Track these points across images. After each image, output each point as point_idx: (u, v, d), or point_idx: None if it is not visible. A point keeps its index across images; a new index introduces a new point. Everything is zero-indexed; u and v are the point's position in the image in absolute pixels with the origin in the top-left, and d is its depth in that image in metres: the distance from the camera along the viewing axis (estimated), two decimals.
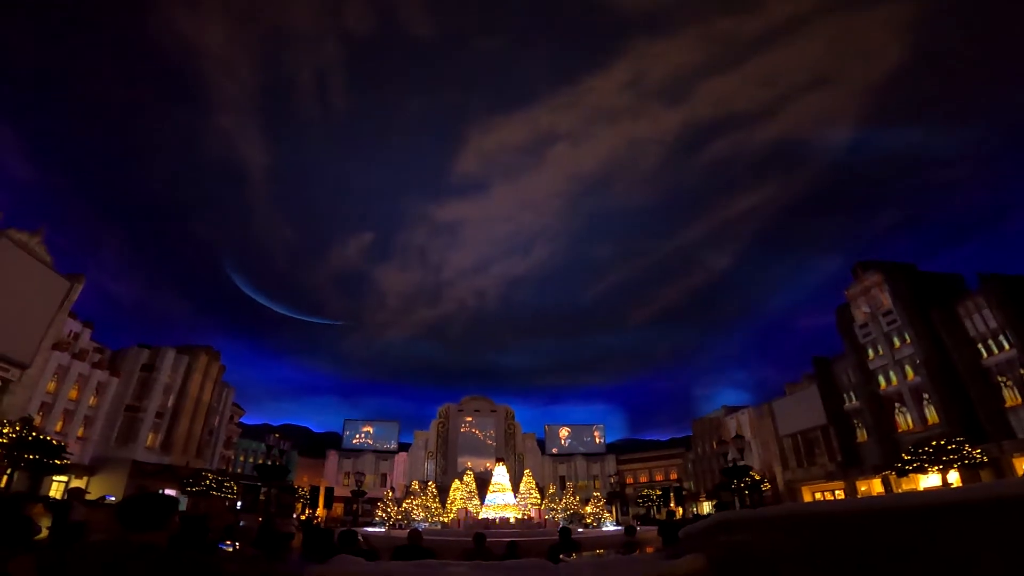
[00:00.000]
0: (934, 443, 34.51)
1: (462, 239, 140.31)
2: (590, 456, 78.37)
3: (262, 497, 41.84)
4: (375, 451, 76.29)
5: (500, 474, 40.66)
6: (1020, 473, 30.77)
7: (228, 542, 7.80)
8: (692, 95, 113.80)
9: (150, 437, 48.55)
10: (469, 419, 75.93)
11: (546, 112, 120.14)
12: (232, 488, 48.38)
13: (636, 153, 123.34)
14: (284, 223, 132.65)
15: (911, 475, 36.23)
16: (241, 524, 20.43)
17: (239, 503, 50.93)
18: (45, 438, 31.85)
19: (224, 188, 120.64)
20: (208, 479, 45.40)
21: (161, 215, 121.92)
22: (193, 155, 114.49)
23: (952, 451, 33.17)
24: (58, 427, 41.49)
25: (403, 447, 77.40)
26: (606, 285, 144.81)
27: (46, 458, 30.94)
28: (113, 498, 37.56)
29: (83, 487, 35.33)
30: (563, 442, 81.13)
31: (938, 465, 33.64)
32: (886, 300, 43.56)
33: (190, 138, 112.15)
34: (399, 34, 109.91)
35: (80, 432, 44.13)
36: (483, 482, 45.18)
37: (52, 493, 36.41)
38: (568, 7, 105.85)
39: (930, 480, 35.71)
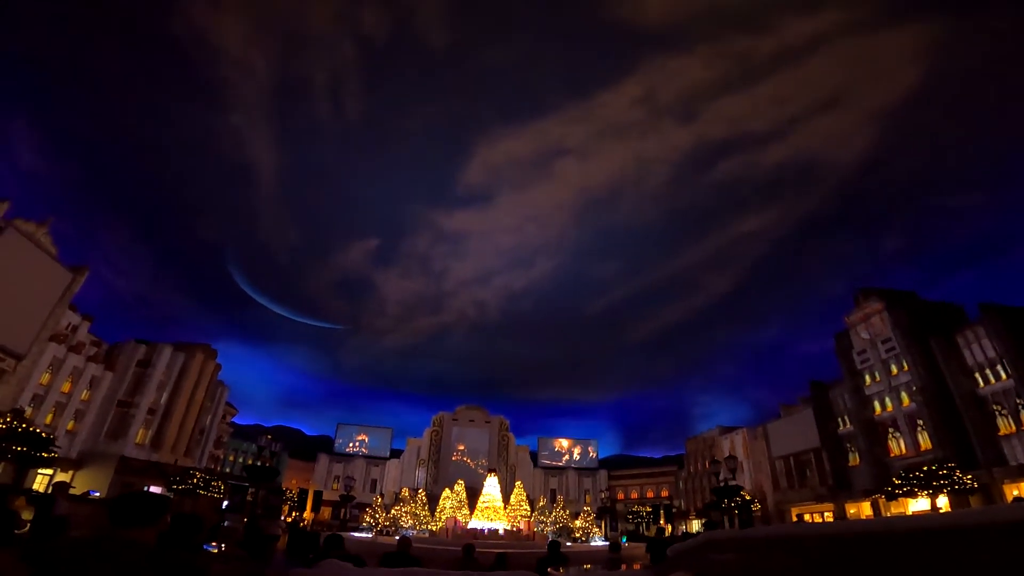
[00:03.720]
0: (925, 468, 34.48)
1: (466, 249, 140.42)
2: (582, 470, 78.04)
3: (249, 498, 41.51)
4: (366, 456, 75.90)
5: (491, 485, 40.44)
6: (1010, 500, 30.69)
7: (213, 543, 7.73)
8: (703, 113, 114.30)
9: (140, 433, 48.22)
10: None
11: (556, 125, 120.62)
12: (219, 488, 47.97)
13: (644, 170, 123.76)
14: (289, 225, 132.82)
15: (900, 499, 36.18)
16: (226, 524, 20.24)
17: (225, 503, 50.51)
18: (34, 430, 31.57)
19: (232, 187, 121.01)
20: (196, 478, 45.02)
21: (168, 211, 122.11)
22: (204, 153, 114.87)
23: (943, 476, 33.13)
24: (48, 420, 41.19)
25: (395, 453, 77.02)
26: (607, 301, 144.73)
27: (33, 451, 30.56)
28: (97, 493, 37.15)
29: (68, 481, 35.02)
30: (556, 455, 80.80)
31: (928, 490, 33.61)
32: (885, 327, 43.64)
33: (202, 136, 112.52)
34: (414, 41, 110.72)
35: (70, 426, 43.83)
36: (473, 492, 44.93)
37: (36, 486, 36.03)
38: (583, 21, 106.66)
39: (919, 504, 35.65)
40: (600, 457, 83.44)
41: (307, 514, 59.79)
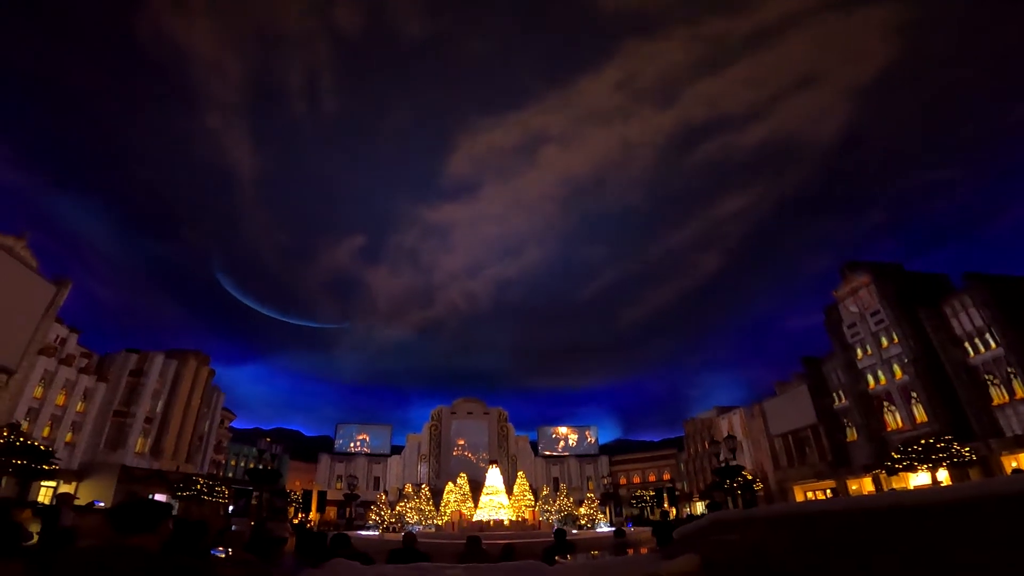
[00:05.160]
0: (923, 442, 34.83)
1: (453, 241, 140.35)
2: (583, 457, 78.55)
3: (254, 501, 41.49)
4: (368, 455, 76.00)
5: (494, 476, 40.56)
6: (1008, 471, 31.07)
7: (220, 548, 7.72)
8: (683, 96, 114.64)
9: (139, 442, 48.11)
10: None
11: (537, 114, 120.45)
12: (223, 492, 47.95)
13: (627, 155, 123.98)
14: (274, 226, 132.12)
15: (901, 474, 36.56)
16: (233, 528, 20.23)
17: (230, 507, 50.49)
18: (33, 443, 31.43)
19: (214, 191, 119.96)
20: (199, 484, 44.98)
21: (150, 218, 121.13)
22: (182, 158, 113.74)
23: (941, 450, 33.48)
24: (45, 432, 41.06)
25: (396, 450, 77.22)
26: (597, 287, 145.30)
27: (34, 463, 30.58)
28: (102, 504, 37.08)
29: (72, 492, 34.92)
30: (556, 444, 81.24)
31: (927, 464, 33.95)
32: (873, 300, 43.99)
33: (179, 141, 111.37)
34: (389, 36, 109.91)
35: (68, 437, 43.68)
36: (476, 485, 45.08)
37: (41, 499, 35.98)
38: (558, 8, 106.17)
39: (920, 478, 36.05)
40: (600, 443, 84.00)
41: (313, 515, 59.82)
